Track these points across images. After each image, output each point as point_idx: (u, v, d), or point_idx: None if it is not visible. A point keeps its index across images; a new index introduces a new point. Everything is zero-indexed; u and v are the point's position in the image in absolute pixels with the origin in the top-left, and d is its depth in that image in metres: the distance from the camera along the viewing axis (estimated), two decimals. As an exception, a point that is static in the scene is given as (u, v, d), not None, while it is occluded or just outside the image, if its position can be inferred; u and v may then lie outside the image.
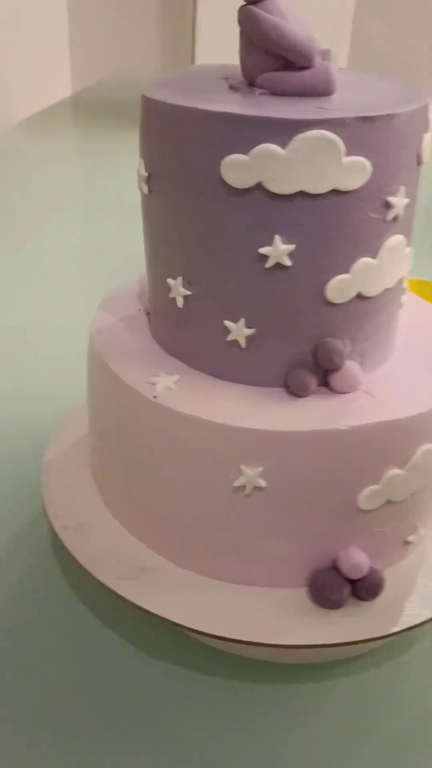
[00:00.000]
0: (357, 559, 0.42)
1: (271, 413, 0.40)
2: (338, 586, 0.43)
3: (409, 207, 0.40)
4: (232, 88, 0.40)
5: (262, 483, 0.40)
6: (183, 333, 0.44)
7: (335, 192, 0.36)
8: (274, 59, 0.38)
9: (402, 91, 0.40)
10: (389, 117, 0.35)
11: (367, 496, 0.41)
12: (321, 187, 0.36)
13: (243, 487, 0.40)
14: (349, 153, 0.35)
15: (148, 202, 0.42)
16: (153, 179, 0.40)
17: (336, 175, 0.35)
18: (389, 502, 0.42)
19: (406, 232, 0.41)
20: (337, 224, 0.37)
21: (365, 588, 0.43)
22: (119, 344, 0.46)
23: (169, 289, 0.43)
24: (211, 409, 0.40)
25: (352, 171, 0.36)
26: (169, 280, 0.42)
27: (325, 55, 0.42)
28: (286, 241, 0.37)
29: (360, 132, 0.35)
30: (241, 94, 0.39)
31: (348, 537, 0.43)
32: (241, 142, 0.35)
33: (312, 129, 0.34)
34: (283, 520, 0.41)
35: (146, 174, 0.40)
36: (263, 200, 0.36)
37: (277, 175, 0.35)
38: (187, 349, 0.44)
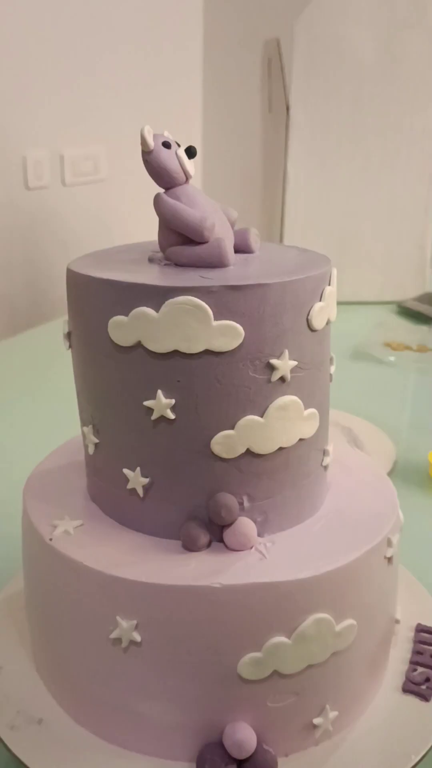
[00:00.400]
0: (241, 736, 0.39)
1: (150, 564, 0.40)
2: (219, 765, 0.39)
3: (303, 370, 0.41)
4: (150, 260, 0.44)
5: (137, 637, 0.39)
6: (95, 480, 0.46)
7: (209, 352, 0.38)
8: (177, 235, 0.42)
9: (300, 266, 0.42)
10: (260, 287, 0.38)
11: (248, 663, 0.39)
12: (194, 348, 0.38)
13: (120, 640, 0.39)
14: (218, 317, 0.38)
15: (72, 357, 0.46)
16: (71, 337, 0.44)
17: (207, 337, 0.38)
18: (278, 674, 0.39)
19: (304, 394, 0.42)
20: (215, 382, 0.39)
21: (252, 771, 0.40)
22: (51, 485, 0.49)
23: (84, 437, 0.45)
24: (94, 556, 0.40)
25: (223, 334, 0.38)
26: (84, 428, 0.45)
27: (243, 234, 0.46)
28: (168, 396, 0.39)
29: (228, 299, 0.37)
30: (151, 266, 0.43)
31: (235, 709, 0.40)
32: (121, 305, 0.39)
33: (180, 295, 0.37)
34: (162, 681, 0.40)
35: (67, 331, 0.45)
36: (144, 358, 0.39)
37: (153, 335, 0.38)
38: (99, 496, 0.46)
